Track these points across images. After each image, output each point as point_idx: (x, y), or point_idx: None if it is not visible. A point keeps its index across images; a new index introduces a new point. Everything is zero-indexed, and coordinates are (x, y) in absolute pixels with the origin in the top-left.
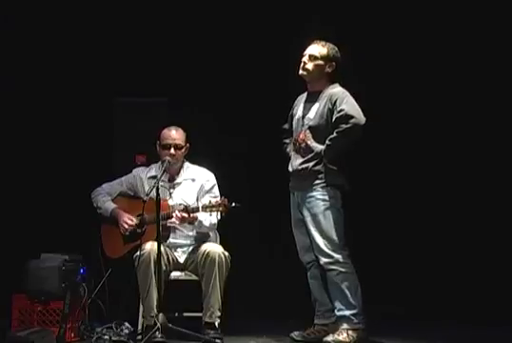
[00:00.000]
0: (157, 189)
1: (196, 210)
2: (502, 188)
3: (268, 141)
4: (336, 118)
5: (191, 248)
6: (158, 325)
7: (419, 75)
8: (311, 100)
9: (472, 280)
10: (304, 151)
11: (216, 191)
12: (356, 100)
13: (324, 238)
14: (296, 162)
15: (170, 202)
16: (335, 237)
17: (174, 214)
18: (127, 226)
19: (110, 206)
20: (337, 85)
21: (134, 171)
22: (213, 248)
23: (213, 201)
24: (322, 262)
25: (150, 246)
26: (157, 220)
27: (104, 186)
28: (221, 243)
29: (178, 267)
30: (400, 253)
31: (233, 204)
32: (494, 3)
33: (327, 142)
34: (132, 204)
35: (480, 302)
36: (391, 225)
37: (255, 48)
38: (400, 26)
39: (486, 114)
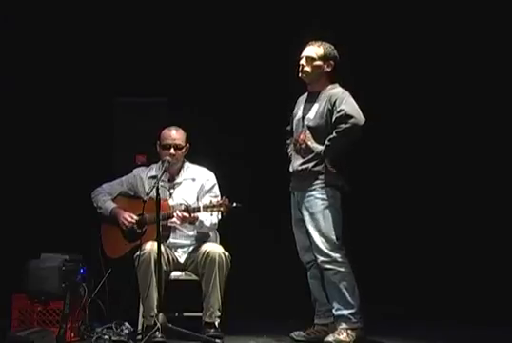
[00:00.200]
0: (157, 189)
1: (197, 210)
2: (502, 188)
3: (268, 141)
4: (336, 118)
5: (192, 248)
6: (158, 325)
7: (419, 76)
8: (311, 100)
9: (472, 280)
10: (304, 151)
11: (216, 190)
12: (356, 100)
13: (321, 237)
14: (296, 162)
15: (171, 202)
16: (333, 237)
17: (175, 214)
18: (127, 222)
19: (111, 205)
20: (337, 85)
21: (134, 170)
22: (213, 248)
23: (214, 201)
24: (319, 261)
25: (151, 246)
26: (157, 220)
27: (104, 186)
28: (221, 243)
29: (178, 267)
30: (400, 253)
31: (234, 204)
32: (491, 3)
33: (327, 142)
34: (133, 204)
35: (480, 302)
36: (391, 225)
37: (255, 48)
38: (399, 27)
39: (485, 114)
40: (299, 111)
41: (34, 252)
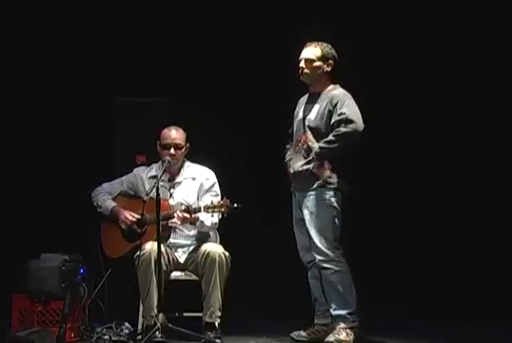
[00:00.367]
0: (157, 188)
1: (198, 210)
2: (502, 188)
3: (268, 141)
4: (336, 121)
5: (192, 248)
6: (158, 325)
7: (419, 76)
8: (312, 101)
9: (472, 280)
10: (305, 152)
11: (217, 189)
12: (356, 101)
13: (320, 236)
14: (298, 163)
15: (171, 202)
16: (331, 236)
17: (176, 214)
18: (128, 221)
19: (111, 204)
20: (338, 86)
21: (135, 170)
22: (214, 248)
23: (215, 201)
24: (317, 260)
25: (151, 246)
26: (157, 220)
27: (104, 185)
28: (221, 243)
29: (178, 267)
30: (400, 253)
31: (235, 205)
32: (491, 3)
33: (321, 144)
34: (133, 204)
35: (480, 302)
36: (391, 225)
37: (255, 48)
38: (399, 27)
39: (485, 116)
40: (300, 112)
41: (34, 252)
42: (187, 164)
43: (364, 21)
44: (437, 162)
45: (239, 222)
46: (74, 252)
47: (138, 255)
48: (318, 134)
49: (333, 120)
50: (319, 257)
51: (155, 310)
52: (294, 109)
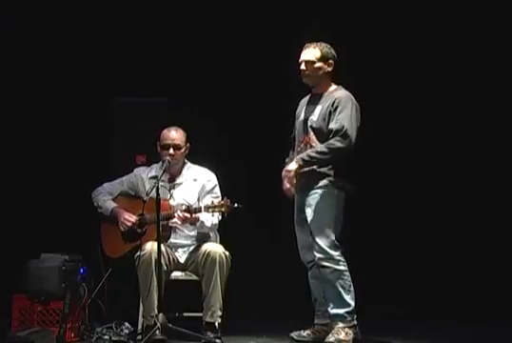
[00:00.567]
0: (157, 189)
1: (198, 210)
2: (502, 188)
3: (268, 141)
4: (333, 131)
5: (192, 248)
6: (158, 325)
7: (420, 76)
8: (314, 102)
9: (472, 280)
10: None
11: (218, 191)
12: (356, 101)
13: (321, 234)
14: None
15: (172, 202)
16: (332, 235)
17: (176, 215)
18: (127, 223)
19: (111, 205)
20: (341, 87)
21: (135, 170)
22: (214, 248)
23: (216, 202)
24: (316, 258)
25: (151, 246)
26: (157, 220)
27: (105, 185)
28: (221, 243)
29: (178, 267)
30: (400, 253)
31: (235, 205)
32: (491, 3)
33: (313, 154)
34: (133, 204)
35: (480, 302)
36: (392, 225)
37: (255, 48)
38: (400, 27)
39: (485, 116)
40: (301, 114)
41: (34, 252)
42: (189, 165)
43: (364, 21)
44: (437, 162)
45: (239, 222)
46: (74, 252)
47: (138, 255)
48: (320, 135)
49: (330, 126)
50: (318, 255)
51: (155, 310)
52: (295, 110)
